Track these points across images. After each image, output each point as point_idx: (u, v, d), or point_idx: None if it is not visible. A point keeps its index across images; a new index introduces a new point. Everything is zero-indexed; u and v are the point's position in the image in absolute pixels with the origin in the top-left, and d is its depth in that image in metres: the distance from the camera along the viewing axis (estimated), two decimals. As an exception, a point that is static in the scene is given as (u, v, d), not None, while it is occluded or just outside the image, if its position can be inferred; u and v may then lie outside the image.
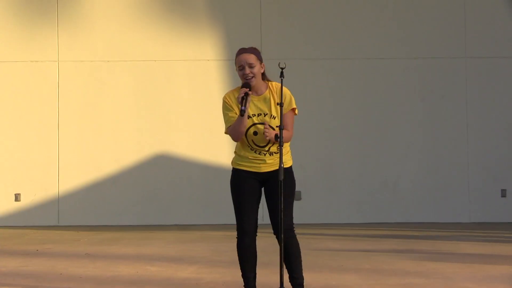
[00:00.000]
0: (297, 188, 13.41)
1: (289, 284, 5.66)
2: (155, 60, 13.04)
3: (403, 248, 9.54)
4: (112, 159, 12.94)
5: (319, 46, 13.12)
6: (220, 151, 12.85)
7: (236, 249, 5.68)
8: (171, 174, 12.97)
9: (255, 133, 5.53)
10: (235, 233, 5.64)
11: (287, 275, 5.65)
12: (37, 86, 12.99)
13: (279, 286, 5.43)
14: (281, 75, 5.46)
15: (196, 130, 13.00)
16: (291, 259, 5.57)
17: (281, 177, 5.34)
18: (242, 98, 5.39)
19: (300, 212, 12.54)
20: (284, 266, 5.52)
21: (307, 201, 12.74)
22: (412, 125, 13.06)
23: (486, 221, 12.87)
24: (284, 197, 5.43)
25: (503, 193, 12.98)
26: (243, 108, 5.37)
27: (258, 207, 5.66)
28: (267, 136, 5.42)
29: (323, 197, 12.92)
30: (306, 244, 9.87)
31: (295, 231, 5.60)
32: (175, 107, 13.01)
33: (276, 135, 5.40)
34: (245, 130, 5.50)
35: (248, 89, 5.44)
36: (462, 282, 6.85)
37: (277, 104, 5.51)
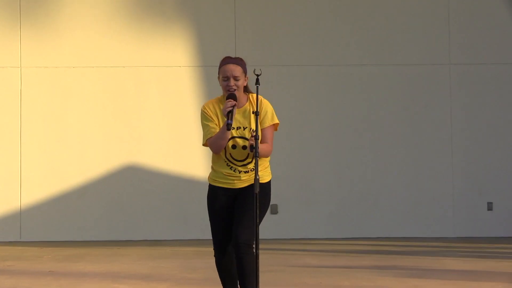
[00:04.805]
0: (273, 201, 13.29)
1: None
2: (124, 66, 13.00)
3: (384, 264, 9.56)
4: (78, 171, 12.86)
5: (296, 51, 13.13)
6: (193, 162, 12.82)
7: (215, 266, 5.85)
8: (141, 187, 12.92)
9: (234, 146, 5.66)
10: (208, 249, 5.79)
11: None
12: (-2, 93, 12.93)
13: None
14: (257, 82, 5.59)
15: (167, 140, 12.97)
16: (244, 274, 5.60)
17: (257, 189, 5.35)
18: (229, 112, 5.51)
19: (276, 227, 12.38)
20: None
21: (283, 215, 12.60)
22: (394, 135, 13.09)
23: (472, 235, 12.90)
24: (251, 211, 5.52)
25: (489, 207, 13.02)
26: (229, 121, 5.49)
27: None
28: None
29: (300, 211, 12.86)
30: (282, 260, 9.88)
31: (253, 248, 5.59)
32: (145, 116, 12.97)
33: (251, 146, 5.46)
34: (226, 143, 5.62)
35: (234, 101, 5.56)
36: (446, 299, 6.89)
37: (253, 112, 5.63)
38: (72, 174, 12.86)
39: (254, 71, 5.62)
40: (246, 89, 5.77)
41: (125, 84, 13.00)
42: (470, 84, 13.17)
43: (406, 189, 13.04)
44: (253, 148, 5.44)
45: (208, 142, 5.68)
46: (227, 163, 5.71)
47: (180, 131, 12.90)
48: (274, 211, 12.38)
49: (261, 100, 5.69)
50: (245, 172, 5.70)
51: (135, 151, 12.96)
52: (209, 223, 5.85)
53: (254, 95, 5.74)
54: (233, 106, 5.54)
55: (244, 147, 5.65)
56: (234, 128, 5.65)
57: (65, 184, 12.85)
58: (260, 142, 5.56)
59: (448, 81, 13.14)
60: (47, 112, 12.92)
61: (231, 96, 5.60)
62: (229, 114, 5.50)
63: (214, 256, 5.86)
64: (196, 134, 12.84)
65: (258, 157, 5.42)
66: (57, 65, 12.96)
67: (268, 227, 11.60)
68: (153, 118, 12.98)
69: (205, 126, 5.72)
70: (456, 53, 13.17)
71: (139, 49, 13.03)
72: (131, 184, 12.93)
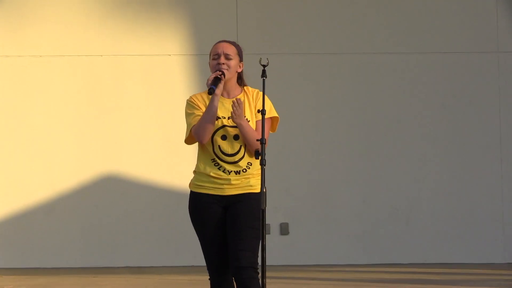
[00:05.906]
0: (284, 220, 13.54)
1: None
2: (102, 55, 13.03)
3: (420, 296, 9.68)
4: (46, 183, 12.89)
5: (309, 37, 13.14)
6: (185, 172, 12.58)
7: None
8: (122, 202, 12.97)
9: (224, 137, 5.88)
10: (203, 277, 5.87)
11: None
12: (-49, 88, 13.00)
13: None
14: (263, 74, 5.86)
15: (154, 145, 13.03)
16: None
17: (264, 204, 5.57)
18: (215, 78, 5.78)
19: (287, 250, 12.53)
20: None
21: (296, 236, 12.65)
22: (430, 138, 13.11)
23: (525, 261, 13.07)
24: (252, 228, 5.75)
25: (547, 227, 13.17)
26: (213, 86, 5.73)
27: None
28: (234, 115, 5.74)
29: (317, 231, 12.89)
30: (295, 292, 9.86)
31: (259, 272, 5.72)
32: (128, 115, 13.01)
33: (256, 151, 5.72)
34: (215, 120, 5.82)
35: (221, 73, 5.82)
36: None
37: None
38: (38, 186, 12.88)
39: (260, 61, 5.80)
40: (241, 81, 6.02)
41: (103, 76, 13.03)
42: (523, 76, 13.27)
43: (445, 204, 13.07)
44: (259, 155, 5.66)
45: (192, 130, 5.86)
46: (215, 162, 5.87)
47: (170, 133, 12.86)
48: (285, 232, 12.46)
49: (257, 92, 5.96)
50: (236, 172, 5.85)
51: (115, 159, 12.99)
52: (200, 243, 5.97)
53: (250, 88, 6.01)
54: (220, 76, 5.79)
55: (236, 137, 5.85)
56: (225, 118, 5.87)
57: (30, 199, 12.89)
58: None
59: (496, 73, 13.15)
60: (8, 110, 12.95)
61: (218, 70, 5.88)
62: (214, 80, 5.78)
63: (209, 279, 5.95)
64: (189, 137, 12.75)
65: (264, 165, 5.61)
66: (20, 54, 13.01)
67: (277, 250, 11.87)
68: (137, 117, 13.01)
69: (189, 115, 5.95)
70: (505, 39, 13.18)
71: (120, 34, 13.09)
72: (110, 199, 12.96)
